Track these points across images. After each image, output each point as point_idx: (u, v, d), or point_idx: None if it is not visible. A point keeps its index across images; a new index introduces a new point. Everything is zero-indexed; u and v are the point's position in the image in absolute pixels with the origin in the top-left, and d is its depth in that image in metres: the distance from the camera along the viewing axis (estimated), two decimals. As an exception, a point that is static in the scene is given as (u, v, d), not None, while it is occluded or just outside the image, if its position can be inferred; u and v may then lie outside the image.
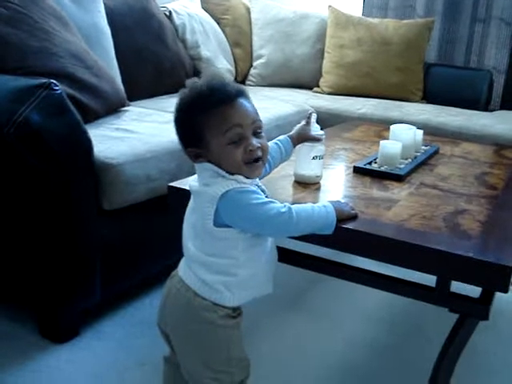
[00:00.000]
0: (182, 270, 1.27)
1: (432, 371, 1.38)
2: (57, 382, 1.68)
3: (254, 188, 1.19)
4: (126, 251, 1.92)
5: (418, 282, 1.44)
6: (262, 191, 1.23)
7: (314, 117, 1.57)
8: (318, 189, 1.60)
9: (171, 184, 1.55)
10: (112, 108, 2.31)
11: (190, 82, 1.22)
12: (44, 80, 1.61)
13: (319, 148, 1.58)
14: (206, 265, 1.21)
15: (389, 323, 2.05)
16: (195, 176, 1.26)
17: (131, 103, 2.53)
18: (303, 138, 1.54)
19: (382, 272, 1.50)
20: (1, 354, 1.78)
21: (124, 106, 2.41)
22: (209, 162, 1.18)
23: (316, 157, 1.58)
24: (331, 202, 1.30)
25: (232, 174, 1.17)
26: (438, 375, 1.37)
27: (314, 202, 1.28)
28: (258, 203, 1.15)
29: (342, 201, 1.36)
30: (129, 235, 1.93)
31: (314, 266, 1.53)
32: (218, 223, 1.16)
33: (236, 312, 1.25)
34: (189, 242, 1.24)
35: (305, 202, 1.27)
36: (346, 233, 1.30)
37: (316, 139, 1.55)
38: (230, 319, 1.23)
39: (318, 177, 1.62)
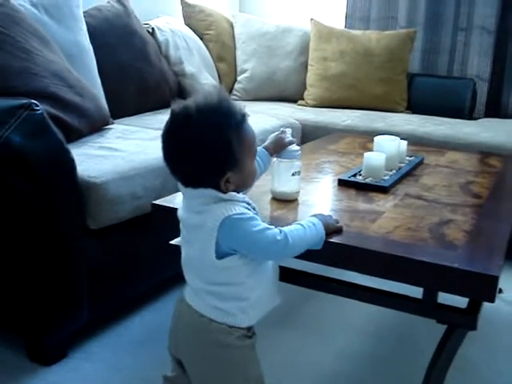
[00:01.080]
0: (190, 298, 1.24)
1: (422, 383, 1.37)
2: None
3: (245, 206, 1.17)
4: (112, 270, 1.91)
5: (406, 294, 1.43)
6: (253, 208, 1.21)
7: (288, 131, 1.55)
8: (303, 203, 1.60)
9: (155, 202, 1.54)
10: (96, 126, 2.30)
11: (190, 104, 1.14)
12: (25, 100, 1.61)
13: (297, 164, 1.58)
14: (217, 294, 1.19)
15: (379, 336, 2.04)
16: (179, 202, 1.24)
17: (115, 121, 2.52)
18: (280, 145, 1.53)
19: (370, 285, 1.50)
20: (-13, 378, 1.76)
21: (108, 124, 2.41)
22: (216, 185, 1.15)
23: (295, 173, 1.58)
24: (317, 215, 1.30)
25: (225, 192, 1.15)
26: (428, 387, 1.36)
27: (300, 218, 1.27)
28: (255, 231, 1.13)
29: (326, 214, 1.36)
30: (115, 254, 1.92)
31: (300, 281, 1.52)
32: (219, 254, 1.15)
33: (250, 331, 1.25)
34: (192, 274, 1.23)
35: (290, 220, 1.26)
36: (331, 247, 1.29)
37: (291, 143, 1.54)
38: (247, 339, 1.23)
39: (297, 193, 1.62)
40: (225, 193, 1.15)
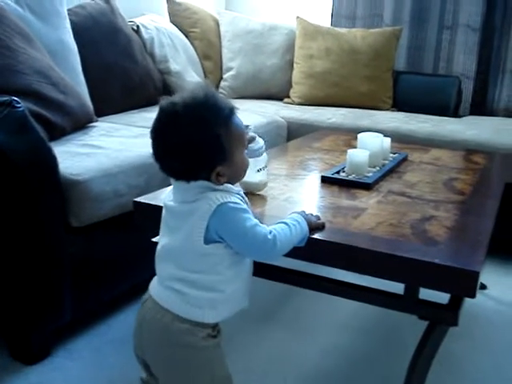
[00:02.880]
0: (156, 292, 1.22)
1: (405, 379, 1.38)
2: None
3: (240, 198, 1.18)
4: (95, 268, 1.90)
5: (388, 290, 1.44)
6: (245, 202, 1.21)
7: (250, 127, 1.54)
8: (286, 200, 1.60)
9: (137, 199, 1.53)
10: (79, 124, 2.29)
11: (177, 100, 1.14)
12: (5, 98, 1.59)
13: (261, 160, 1.57)
14: (191, 282, 1.17)
15: (363, 331, 2.05)
16: (168, 193, 1.24)
17: (100, 119, 2.51)
18: None
19: (353, 281, 1.50)
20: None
21: (92, 121, 2.39)
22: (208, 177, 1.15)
23: (260, 169, 1.59)
24: (299, 212, 1.30)
25: (218, 185, 1.16)
26: (411, 382, 1.36)
27: (282, 215, 1.27)
28: (247, 226, 1.13)
29: (307, 211, 1.35)
30: (98, 252, 1.91)
31: (282, 278, 1.52)
32: (207, 240, 1.14)
33: (215, 330, 1.23)
34: (167, 263, 1.21)
35: (273, 217, 1.25)
36: (313, 243, 1.29)
37: (252, 139, 1.50)
38: (211, 339, 1.21)
39: (264, 184, 1.63)
40: (219, 185, 1.16)
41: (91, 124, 2.39)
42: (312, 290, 1.52)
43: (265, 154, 1.58)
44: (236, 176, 1.21)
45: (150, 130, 1.16)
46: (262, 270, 1.52)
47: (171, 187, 1.25)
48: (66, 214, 1.79)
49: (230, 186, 1.17)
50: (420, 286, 1.31)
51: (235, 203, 1.14)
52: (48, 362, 1.83)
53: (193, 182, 1.15)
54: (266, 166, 1.60)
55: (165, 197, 1.26)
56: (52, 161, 1.68)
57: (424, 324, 1.39)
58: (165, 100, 1.16)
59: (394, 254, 1.24)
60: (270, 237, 1.15)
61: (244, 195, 1.21)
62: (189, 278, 1.17)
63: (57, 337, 1.91)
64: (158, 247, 1.25)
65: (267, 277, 1.48)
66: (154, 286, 1.24)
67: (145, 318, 1.23)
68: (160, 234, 1.26)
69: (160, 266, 1.24)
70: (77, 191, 1.78)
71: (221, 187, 1.15)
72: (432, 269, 1.20)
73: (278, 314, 2.15)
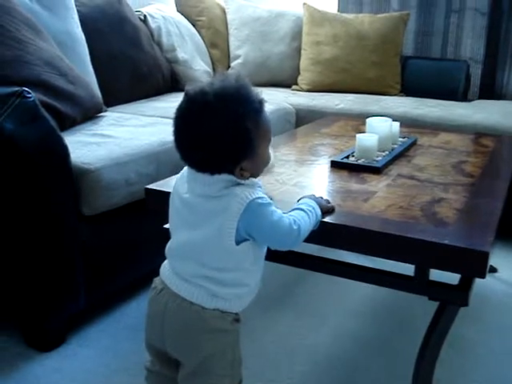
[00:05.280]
0: (177, 286, 1.20)
1: (416, 360, 1.39)
2: (44, 390, 1.68)
3: (263, 191, 1.17)
4: (108, 256, 1.92)
5: (398, 272, 1.45)
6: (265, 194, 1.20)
7: None
8: (296, 185, 1.60)
9: (148, 186, 1.55)
10: (89, 114, 2.30)
11: (207, 89, 1.10)
12: (16, 88, 1.61)
13: None
14: (217, 279, 1.17)
15: (374, 316, 2.06)
16: (180, 183, 1.22)
17: (109, 109, 2.53)
18: None
19: (363, 264, 1.51)
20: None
21: (101, 111, 2.41)
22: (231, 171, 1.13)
23: None
24: (310, 197, 1.31)
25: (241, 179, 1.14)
26: (422, 364, 1.37)
27: (292, 200, 1.28)
28: (275, 220, 1.13)
29: (317, 195, 1.36)
30: (110, 240, 1.93)
31: (292, 262, 1.52)
32: (237, 240, 1.13)
33: (238, 314, 1.24)
34: (187, 260, 1.19)
35: (283, 202, 1.26)
36: (324, 227, 1.30)
37: None
38: (237, 323, 1.23)
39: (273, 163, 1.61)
40: (242, 179, 1.14)
41: (100, 114, 2.41)
42: (323, 272, 1.53)
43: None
44: (258, 171, 1.19)
45: (174, 116, 1.13)
46: (274, 256, 1.53)
47: (181, 176, 1.23)
48: (78, 203, 1.81)
49: (254, 179, 1.16)
50: (430, 267, 1.32)
51: (261, 198, 1.13)
52: (63, 349, 1.86)
53: (216, 175, 1.13)
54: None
55: (176, 186, 1.23)
56: (63, 150, 1.70)
57: (434, 306, 1.40)
58: (192, 87, 1.12)
59: (405, 235, 1.24)
60: (295, 227, 1.16)
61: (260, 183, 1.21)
62: (215, 275, 1.17)
63: (71, 324, 1.94)
64: (175, 242, 1.23)
65: (279, 261, 1.49)
66: (171, 278, 1.22)
67: (167, 308, 1.21)
68: (172, 226, 1.24)
69: (178, 262, 1.22)
70: (88, 180, 1.79)
71: (246, 181, 1.14)
72: (442, 250, 1.21)
73: (288, 299, 2.16)
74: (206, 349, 1.20)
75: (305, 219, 1.21)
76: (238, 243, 1.13)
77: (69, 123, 2.15)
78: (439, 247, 1.21)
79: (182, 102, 1.13)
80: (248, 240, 1.15)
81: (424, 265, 1.31)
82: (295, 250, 1.50)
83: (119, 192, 1.87)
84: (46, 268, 1.76)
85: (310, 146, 2.04)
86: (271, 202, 1.16)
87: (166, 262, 1.27)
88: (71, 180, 1.75)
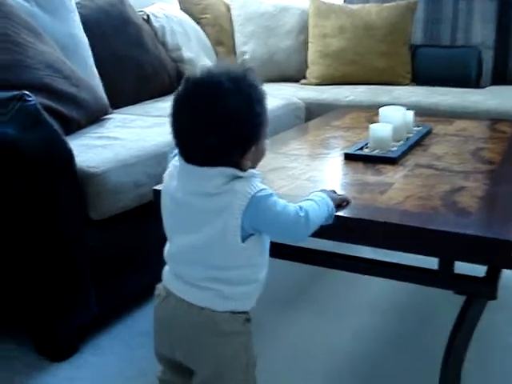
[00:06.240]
0: (183, 292, 1.14)
1: (443, 358, 1.33)
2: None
3: (262, 181, 1.11)
4: (118, 261, 1.87)
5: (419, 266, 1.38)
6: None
7: None
8: (309, 179, 1.54)
9: (156, 187, 1.49)
10: (94, 117, 2.25)
11: (217, 72, 1.06)
12: (16, 92, 1.56)
13: None
14: (226, 279, 1.11)
15: (395, 312, 1.99)
16: (169, 182, 1.14)
17: (114, 111, 2.47)
18: None
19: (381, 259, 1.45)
20: (-2, 377, 1.73)
21: (107, 113, 2.36)
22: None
23: None
24: (320, 190, 1.25)
25: (244, 170, 1.09)
26: (450, 360, 1.31)
27: (306, 195, 1.22)
28: (279, 210, 1.07)
29: (329, 189, 1.30)
30: (120, 244, 1.88)
31: (309, 259, 1.47)
32: (243, 237, 1.07)
33: (248, 314, 1.18)
34: (192, 264, 1.13)
35: (297, 197, 1.20)
36: (340, 221, 1.24)
37: None
38: (248, 323, 1.17)
39: None
40: (243, 171, 1.08)
41: (106, 116, 2.35)
42: (342, 270, 1.47)
43: None
44: (257, 162, 1.13)
45: (175, 105, 1.07)
46: (289, 254, 1.48)
47: (169, 173, 1.16)
48: (85, 208, 1.76)
49: (252, 171, 1.10)
50: (454, 260, 1.25)
51: (262, 190, 1.07)
52: (76, 359, 1.81)
53: (218, 169, 1.06)
54: None
55: (166, 186, 1.16)
56: (68, 154, 1.65)
57: (457, 300, 1.34)
58: (194, 73, 1.07)
59: (426, 227, 1.18)
60: (301, 214, 1.09)
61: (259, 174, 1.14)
62: (223, 276, 1.11)
63: (84, 332, 1.89)
64: (174, 247, 1.17)
65: (294, 259, 1.44)
66: (176, 284, 1.16)
67: (174, 315, 1.15)
68: (169, 229, 1.18)
69: (182, 267, 1.15)
70: (95, 184, 1.74)
71: (245, 174, 1.08)
72: (466, 240, 1.15)
73: (304, 297, 2.10)
74: (218, 353, 1.14)
75: (313, 207, 1.14)
76: (243, 240, 1.08)
77: (74, 127, 2.10)
78: (463, 238, 1.15)
79: (185, 88, 1.07)
80: (253, 234, 1.09)
81: (448, 257, 1.24)
82: (310, 246, 1.45)
83: (127, 195, 1.82)
84: (54, 275, 1.71)
85: (321, 139, 1.98)
86: (272, 192, 1.09)
87: (167, 267, 1.21)
88: (77, 184, 1.70)
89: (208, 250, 1.10)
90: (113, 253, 1.85)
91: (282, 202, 1.09)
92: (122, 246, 1.89)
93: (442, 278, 1.29)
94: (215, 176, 1.06)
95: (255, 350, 1.20)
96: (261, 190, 1.07)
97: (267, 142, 1.15)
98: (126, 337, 1.90)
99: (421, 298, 2.03)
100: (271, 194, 1.08)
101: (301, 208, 1.10)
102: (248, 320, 1.18)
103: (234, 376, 1.16)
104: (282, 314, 1.97)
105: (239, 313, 1.15)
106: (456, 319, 1.31)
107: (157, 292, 1.21)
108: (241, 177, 1.07)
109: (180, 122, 1.07)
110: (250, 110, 1.05)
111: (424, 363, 1.68)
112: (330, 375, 1.68)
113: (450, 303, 1.42)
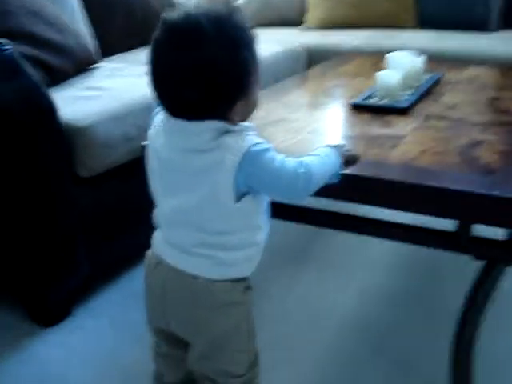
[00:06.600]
0: (175, 259, 1.04)
1: (458, 324, 1.23)
2: (51, 367, 1.56)
3: (257, 135, 0.98)
4: (109, 220, 1.77)
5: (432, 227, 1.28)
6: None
7: None
8: (312, 132, 1.42)
9: (144, 143, 1.37)
10: (81, 66, 2.11)
11: (196, 13, 0.91)
12: (-9, 40, 1.42)
13: None
14: (222, 244, 1.01)
15: (404, 270, 1.90)
16: (155, 138, 1.03)
17: (104, 59, 2.34)
18: None
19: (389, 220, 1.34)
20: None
21: (95, 62, 2.21)
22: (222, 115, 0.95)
23: None
24: (327, 146, 1.12)
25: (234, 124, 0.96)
26: (465, 328, 1.22)
27: (310, 150, 1.10)
28: (276, 166, 0.94)
29: (336, 143, 1.17)
30: (111, 202, 1.77)
31: (313, 220, 1.36)
32: (237, 197, 0.95)
33: (248, 281, 1.08)
34: (183, 228, 1.02)
35: (299, 153, 1.09)
36: (347, 180, 1.12)
37: None
38: (249, 291, 1.07)
39: None
40: (233, 124, 0.96)
41: (95, 65, 2.21)
42: (353, 232, 1.36)
43: None
44: (248, 115, 0.99)
45: (152, 51, 0.93)
46: (291, 213, 1.37)
47: (154, 130, 1.05)
48: (73, 164, 1.65)
49: (245, 124, 0.98)
50: (476, 223, 1.14)
51: (257, 144, 0.94)
52: (69, 323, 1.74)
53: (207, 123, 0.94)
54: None
55: (152, 144, 1.04)
56: (49, 106, 1.52)
57: (464, 259, 1.24)
58: (171, 13, 0.92)
59: (447, 187, 1.06)
60: (301, 170, 0.96)
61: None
62: (218, 241, 1.00)
63: (76, 295, 1.81)
64: (164, 209, 1.05)
65: (296, 220, 1.33)
66: (167, 250, 1.06)
67: (166, 285, 1.06)
68: (156, 191, 1.06)
69: (173, 231, 1.05)
70: (82, 138, 1.63)
71: (236, 128, 0.95)
72: (491, 202, 1.03)
73: (307, 255, 2.01)
74: (217, 326, 1.05)
75: (316, 163, 1.01)
76: (237, 200, 0.96)
77: (60, 77, 1.97)
78: (488, 199, 1.03)
79: (162, 32, 0.92)
80: (248, 193, 0.97)
81: (469, 220, 1.13)
82: (313, 206, 1.34)
83: (118, 149, 1.70)
84: (43, 236, 1.62)
85: (325, 87, 1.85)
86: (268, 146, 0.96)
87: (156, 232, 1.10)
88: (62, 139, 1.59)
89: (200, 213, 0.99)
90: (104, 211, 1.75)
91: (280, 156, 0.97)
92: (114, 204, 1.78)
93: (460, 242, 1.19)
94: (203, 131, 0.94)
95: (258, 311, 1.11)
96: (255, 143, 0.94)
97: (260, 93, 1.00)
98: (120, 299, 1.82)
99: (430, 257, 1.93)
100: (267, 149, 0.96)
101: (301, 163, 0.98)
102: (248, 288, 1.08)
103: (235, 347, 1.07)
104: (283, 274, 1.89)
105: (238, 280, 1.05)
106: (473, 285, 1.20)
107: (146, 260, 1.11)
108: (232, 131, 0.95)
109: (156, 73, 0.95)
110: (233, 57, 0.91)
111: (434, 322, 1.61)
112: (336, 338, 1.60)
113: (457, 260, 1.32)
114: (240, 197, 0.96)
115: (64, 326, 1.72)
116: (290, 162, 0.97)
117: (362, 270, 1.91)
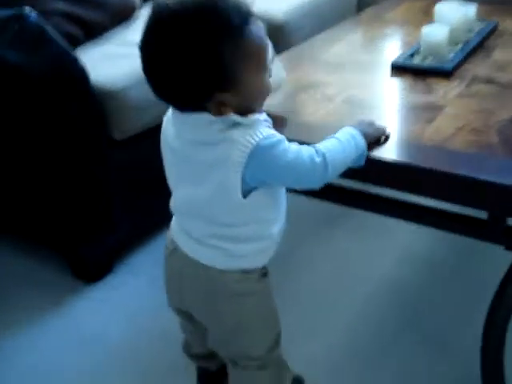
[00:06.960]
0: (190, 249, 1.03)
1: (488, 312, 1.17)
2: (92, 323, 1.63)
3: (268, 126, 0.94)
4: (144, 181, 1.77)
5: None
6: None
7: None
8: (346, 100, 1.33)
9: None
10: (120, 16, 2.05)
11: (163, 3, 0.86)
12: (14, 11, 1.38)
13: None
14: (233, 237, 0.99)
15: (446, 242, 1.80)
16: (166, 126, 1.01)
17: (145, 5, 2.25)
18: None
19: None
20: (34, 300, 1.72)
21: (135, 10, 2.13)
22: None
23: None
24: (354, 125, 1.06)
25: (245, 114, 0.91)
26: (496, 314, 1.16)
27: (344, 120, 1.04)
28: (290, 159, 0.91)
29: (363, 121, 1.11)
30: (145, 163, 1.75)
31: (340, 199, 1.31)
32: (244, 192, 0.93)
33: (265, 268, 1.07)
34: (194, 219, 1.01)
35: (331, 128, 1.03)
36: (371, 163, 1.06)
37: None
38: (263, 278, 1.06)
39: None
40: (244, 116, 0.91)
41: (135, 14, 2.13)
42: (378, 213, 1.30)
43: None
44: (249, 105, 0.93)
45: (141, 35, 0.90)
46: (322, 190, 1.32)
47: (167, 118, 1.03)
48: (107, 128, 1.64)
49: (254, 116, 0.92)
50: (508, 216, 1.07)
51: (267, 138, 0.90)
52: (110, 279, 1.79)
53: (204, 115, 0.90)
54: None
55: (164, 132, 1.03)
56: (80, 73, 1.51)
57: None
58: (157, 2, 0.88)
59: (478, 177, 0.99)
60: (318, 159, 0.93)
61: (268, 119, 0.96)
62: (229, 233, 0.99)
63: (116, 253, 1.85)
64: (178, 198, 1.04)
65: (324, 197, 1.28)
66: (182, 238, 1.05)
67: (183, 273, 1.06)
68: (170, 179, 1.06)
69: (186, 220, 1.04)
70: (115, 102, 1.63)
71: (245, 121, 0.90)
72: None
73: (346, 217, 1.93)
74: (231, 315, 1.05)
75: (335, 149, 0.97)
76: (245, 195, 0.93)
77: (96, 31, 1.93)
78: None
79: (149, 17, 0.89)
80: (257, 189, 0.94)
81: (502, 213, 1.06)
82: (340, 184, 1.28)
83: (150, 111, 1.67)
84: (81, 196, 1.66)
85: (367, 40, 1.74)
86: (280, 138, 0.92)
87: (173, 218, 1.11)
88: (95, 104, 1.58)
89: (209, 206, 0.97)
90: (138, 173, 1.76)
91: (293, 147, 0.93)
92: (148, 165, 1.76)
93: (492, 231, 1.11)
94: (209, 123, 0.91)
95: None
96: (265, 137, 0.90)
97: (265, 79, 0.94)
98: (160, 256, 1.83)
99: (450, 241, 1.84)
100: (279, 141, 0.91)
101: (317, 152, 0.94)
102: (264, 275, 1.07)
103: (250, 334, 1.08)
104: (298, 252, 1.81)
105: (252, 270, 1.03)
106: (504, 276, 1.13)
107: (166, 241, 1.12)
108: (240, 123, 0.90)
109: (142, 58, 0.91)
110: (200, 49, 0.85)
111: (470, 299, 1.57)
112: (371, 302, 1.59)
113: (484, 254, 1.27)
114: (248, 192, 0.94)
115: (105, 282, 1.77)
116: (305, 151, 0.94)
117: (402, 234, 1.85)
